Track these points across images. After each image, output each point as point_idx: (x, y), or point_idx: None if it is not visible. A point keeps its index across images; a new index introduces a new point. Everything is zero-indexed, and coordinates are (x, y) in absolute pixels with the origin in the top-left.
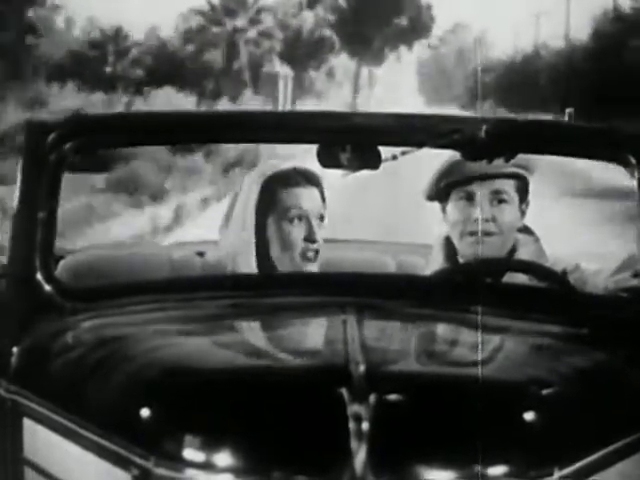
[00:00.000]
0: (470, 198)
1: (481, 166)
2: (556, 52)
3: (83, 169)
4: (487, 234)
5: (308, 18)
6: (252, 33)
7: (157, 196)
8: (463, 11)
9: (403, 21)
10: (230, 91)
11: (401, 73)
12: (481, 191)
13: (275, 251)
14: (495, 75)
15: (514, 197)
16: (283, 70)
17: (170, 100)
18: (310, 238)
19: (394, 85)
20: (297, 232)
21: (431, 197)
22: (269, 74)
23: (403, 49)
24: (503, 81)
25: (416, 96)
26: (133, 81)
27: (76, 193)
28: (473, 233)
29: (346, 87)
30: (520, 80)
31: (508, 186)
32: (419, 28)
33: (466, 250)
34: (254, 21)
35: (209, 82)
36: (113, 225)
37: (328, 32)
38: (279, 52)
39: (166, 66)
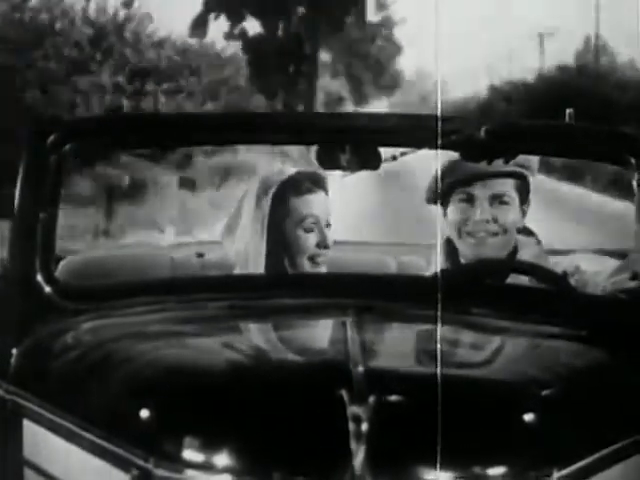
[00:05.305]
0: (470, 199)
1: (481, 166)
2: (480, 100)
3: None
4: (488, 235)
5: (334, 85)
6: None
7: None
8: (427, 61)
9: (385, 81)
10: None
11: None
12: (481, 192)
13: (288, 257)
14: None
15: (515, 198)
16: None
17: None
18: (322, 244)
19: None
20: (311, 239)
21: (431, 200)
22: None
23: (383, 97)
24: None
25: None
26: None
27: None
28: (474, 234)
29: None
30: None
31: (509, 187)
32: (394, 85)
33: (467, 251)
34: None
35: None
36: None
37: (346, 92)
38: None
39: None
